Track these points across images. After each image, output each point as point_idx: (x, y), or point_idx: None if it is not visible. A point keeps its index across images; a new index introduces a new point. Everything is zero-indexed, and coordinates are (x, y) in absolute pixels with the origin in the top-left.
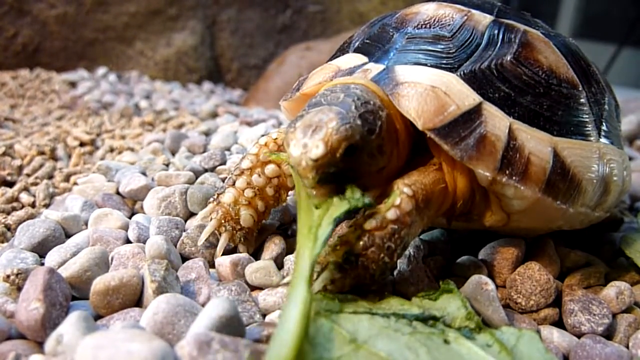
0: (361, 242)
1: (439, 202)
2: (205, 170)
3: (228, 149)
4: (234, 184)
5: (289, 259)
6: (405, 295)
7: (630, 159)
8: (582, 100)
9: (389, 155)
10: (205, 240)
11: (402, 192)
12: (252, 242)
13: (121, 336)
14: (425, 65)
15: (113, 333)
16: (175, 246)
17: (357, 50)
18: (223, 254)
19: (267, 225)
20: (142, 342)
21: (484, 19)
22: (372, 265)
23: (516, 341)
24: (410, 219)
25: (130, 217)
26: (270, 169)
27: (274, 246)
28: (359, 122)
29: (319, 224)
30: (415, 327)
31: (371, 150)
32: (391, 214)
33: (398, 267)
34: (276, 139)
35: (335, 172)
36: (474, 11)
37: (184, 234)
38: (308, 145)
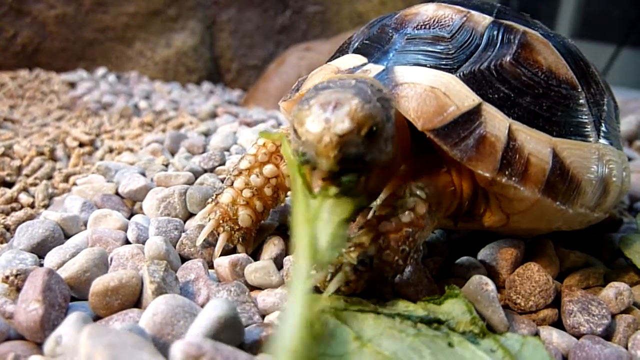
0: (376, 245)
1: (448, 204)
2: (205, 171)
3: (227, 150)
4: (232, 184)
5: (289, 260)
6: (405, 296)
7: (630, 159)
8: (581, 101)
9: (395, 150)
10: (204, 240)
11: (416, 196)
12: (251, 242)
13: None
14: (425, 66)
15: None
16: (175, 247)
17: (357, 51)
18: (222, 255)
19: (266, 226)
20: None
21: (483, 20)
22: (386, 268)
23: (520, 347)
24: (424, 222)
25: (129, 218)
26: (268, 169)
27: (273, 247)
28: (378, 104)
29: (316, 215)
30: (419, 329)
31: (387, 138)
32: (406, 217)
33: None
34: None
35: (353, 158)
36: (473, 12)
37: (183, 234)
38: (331, 120)
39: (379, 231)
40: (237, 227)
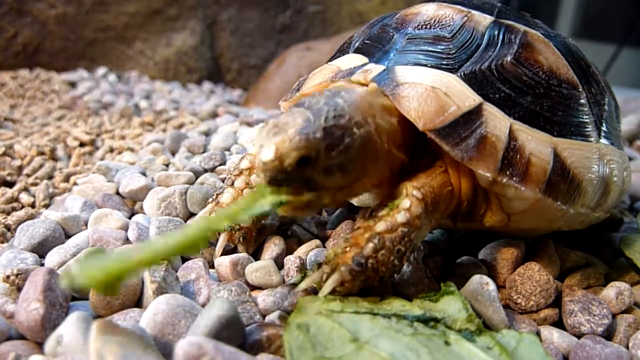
0: (371, 245)
1: (446, 204)
2: (205, 171)
3: (228, 149)
4: (232, 184)
5: (289, 259)
6: (406, 296)
7: (630, 159)
8: (582, 100)
9: (360, 172)
10: None
11: (412, 196)
12: (252, 242)
13: None
14: (426, 65)
15: None
16: None
17: (357, 51)
18: (223, 254)
19: (266, 226)
20: None
21: (484, 20)
22: (381, 268)
23: (516, 344)
24: (419, 222)
25: (130, 218)
26: None
27: (273, 246)
28: (318, 135)
29: (263, 194)
30: (416, 328)
31: (329, 167)
32: (401, 217)
33: None
34: None
35: (285, 179)
36: (474, 12)
37: None
38: (263, 147)
39: (374, 231)
40: (237, 227)
